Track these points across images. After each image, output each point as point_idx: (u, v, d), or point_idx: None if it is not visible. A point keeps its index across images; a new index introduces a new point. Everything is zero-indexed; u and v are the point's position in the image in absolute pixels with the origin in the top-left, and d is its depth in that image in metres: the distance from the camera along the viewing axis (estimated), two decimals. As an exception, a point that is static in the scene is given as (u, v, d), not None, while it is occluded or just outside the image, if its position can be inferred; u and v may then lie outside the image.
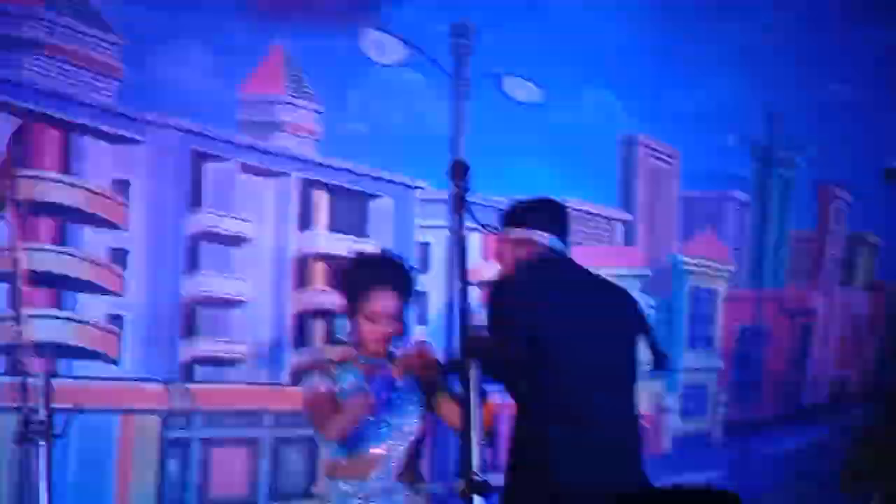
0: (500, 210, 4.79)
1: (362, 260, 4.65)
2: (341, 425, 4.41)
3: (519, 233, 4.68)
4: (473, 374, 3.97)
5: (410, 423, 4.51)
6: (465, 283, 4.20)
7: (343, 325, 4.55)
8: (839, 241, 18.77)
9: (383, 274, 4.50)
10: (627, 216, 18.77)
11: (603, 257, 20.00)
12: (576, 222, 18.20)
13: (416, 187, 15.39)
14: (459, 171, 4.11)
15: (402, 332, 4.51)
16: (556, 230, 4.69)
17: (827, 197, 18.61)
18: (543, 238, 4.65)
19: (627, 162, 18.79)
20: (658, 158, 19.00)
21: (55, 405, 3.84)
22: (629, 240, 18.81)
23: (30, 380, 3.89)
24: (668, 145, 18.79)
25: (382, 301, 4.46)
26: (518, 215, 4.74)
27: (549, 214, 4.73)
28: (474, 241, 5.66)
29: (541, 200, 4.85)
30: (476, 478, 3.88)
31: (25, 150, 11.84)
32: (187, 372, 13.97)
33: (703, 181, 18.88)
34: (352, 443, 4.42)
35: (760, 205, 19.01)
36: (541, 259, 4.62)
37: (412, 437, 4.51)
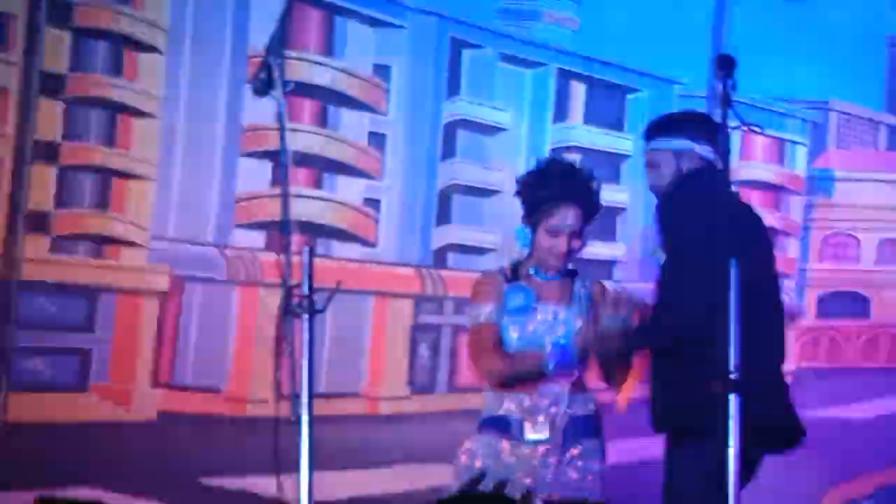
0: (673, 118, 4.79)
1: (549, 171, 4.47)
2: (500, 371, 4.39)
3: (678, 144, 4.60)
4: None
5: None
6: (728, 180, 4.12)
7: (525, 234, 4.48)
8: None
9: (569, 188, 4.41)
10: (894, 119, 18.20)
11: (866, 160, 19.46)
12: (838, 124, 17.78)
13: (676, 83, 15.18)
14: (726, 66, 4.01)
15: (580, 248, 4.45)
16: (712, 142, 4.58)
17: None
18: (705, 151, 4.59)
19: (895, 63, 18.19)
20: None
21: (316, 283, 3.93)
22: (895, 144, 18.24)
23: (293, 257, 3.98)
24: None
25: (566, 216, 4.38)
26: (675, 125, 4.67)
27: (707, 126, 4.62)
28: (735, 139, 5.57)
29: (696, 112, 4.84)
30: (733, 376, 3.83)
31: (291, 31, 12.06)
32: (440, 258, 14.15)
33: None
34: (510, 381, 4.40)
35: None
36: (706, 171, 4.54)
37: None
